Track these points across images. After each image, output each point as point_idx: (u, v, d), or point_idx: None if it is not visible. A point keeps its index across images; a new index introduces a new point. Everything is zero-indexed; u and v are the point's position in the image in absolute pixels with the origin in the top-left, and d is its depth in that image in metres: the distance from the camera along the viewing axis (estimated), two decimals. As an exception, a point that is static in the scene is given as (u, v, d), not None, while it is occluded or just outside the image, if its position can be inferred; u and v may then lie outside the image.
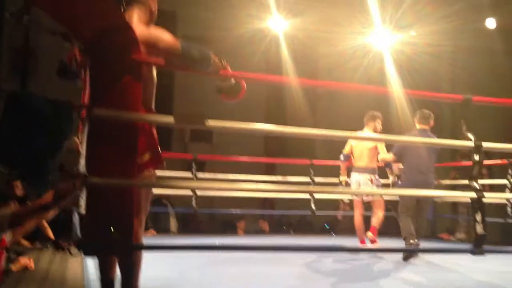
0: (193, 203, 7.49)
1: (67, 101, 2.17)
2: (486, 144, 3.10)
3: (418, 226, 5.57)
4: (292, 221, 10.42)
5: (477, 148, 3.05)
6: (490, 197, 3.16)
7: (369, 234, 6.09)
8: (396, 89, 7.75)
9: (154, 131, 2.62)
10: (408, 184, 5.63)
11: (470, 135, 3.11)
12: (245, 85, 2.80)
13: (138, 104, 2.39)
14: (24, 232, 2.72)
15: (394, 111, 7.89)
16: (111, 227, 2.22)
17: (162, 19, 9.14)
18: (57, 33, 2.23)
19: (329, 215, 9.37)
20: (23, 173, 1.92)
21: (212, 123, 2.43)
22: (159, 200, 8.45)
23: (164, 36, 2.57)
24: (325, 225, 10.13)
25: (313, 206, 7.94)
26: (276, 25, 9.21)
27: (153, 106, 2.65)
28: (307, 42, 9.51)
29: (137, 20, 2.60)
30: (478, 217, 2.88)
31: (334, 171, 7.25)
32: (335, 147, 6.91)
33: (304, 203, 8.09)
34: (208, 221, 9.94)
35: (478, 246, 2.91)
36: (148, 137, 2.53)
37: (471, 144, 3.10)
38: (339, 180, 6.66)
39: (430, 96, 3.63)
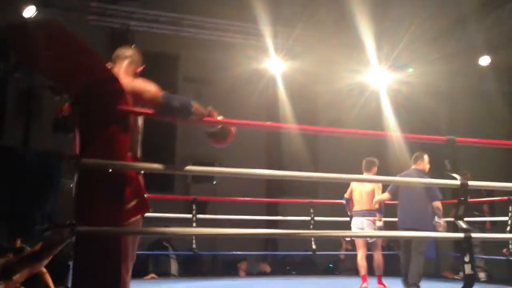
0: (193, 245, 7.47)
1: (57, 152, 2.25)
2: (472, 183, 3.14)
3: (412, 264, 5.54)
4: (296, 261, 10.34)
5: (463, 187, 3.08)
6: (478, 237, 3.17)
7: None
8: (393, 129, 7.88)
9: (141, 178, 2.69)
10: (401, 223, 5.72)
11: (455, 175, 3.15)
12: (233, 129, 2.88)
13: (125, 152, 2.47)
14: (17, 281, 2.75)
15: (391, 150, 7.95)
16: (98, 275, 2.25)
17: (166, 61, 9.41)
18: (47, 87, 2.32)
19: (333, 254, 9.31)
20: (10, 225, 1.98)
21: (209, 168, 2.49)
22: (159, 243, 8.44)
23: (148, 87, 2.69)
24: (330, 264, 10.05)
25: (313, 245, 7.92)
26: (274, 66, 9.37)
27: (139, 153, 2.73)
28: (304, 82, 9.67)
29: (123, 73, 2.74)
30: (466, 257, 2.89)
31: (336, 209, 7.32)
32: (337, 185, 6.97)
33: (308, 242, 8.08)
34: (211, 262, 9.88)
35: (468, 286, 2.91)
36: (135, 184, 2.60)
37: (457, 183, 3.13)
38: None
39: (416, 138, 3.69)
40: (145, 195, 2.67)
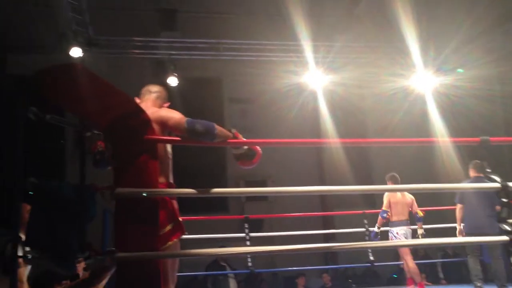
0: (249, 263, 7.53)
1: (91, 184, 2.39)
2: (513, 184, 3.04)
3: (494, 269, 5.61)
4: (358, 273, 10.17)
5: (504, 189, 3.00)
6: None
7: None
8: (440, 135, 7.70)
9: (175, 203, 2.79)
10: (468, 228, 5.75)
11: (495, 177, 3.07)
12: (259, 150, 2.93)
13: (155, 179, 2.58)
14: None
15: (438, 157, 7.79)
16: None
17: (209, 85, 9.62)
18: (77, 126, 2.48)
19: (394, 264, 9.10)
20: (51, 256, 2.12)
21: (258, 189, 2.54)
22: (216, 263, 8.56)
23: (172, 114, 2.82)
24: (394, 275, 9.82)
25: (371, 257, 7.79)
26: (316, 80, 9.38)
27: (171, 178, 2.84)
28: (348, 93, 9.62)
29: (150, 105, 2.91)
30: (512, 259, 2.80)
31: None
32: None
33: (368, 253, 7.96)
34: (271, 279, 9.90)
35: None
36: (169, 209, 2.70)
37: (497, 185, 3.05)
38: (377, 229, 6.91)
39: (448, 140, 3.61)
40: (180, 219, 2.77)
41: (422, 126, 9.42)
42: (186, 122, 2.70)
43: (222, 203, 10.85)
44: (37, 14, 8.23)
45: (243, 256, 7.89)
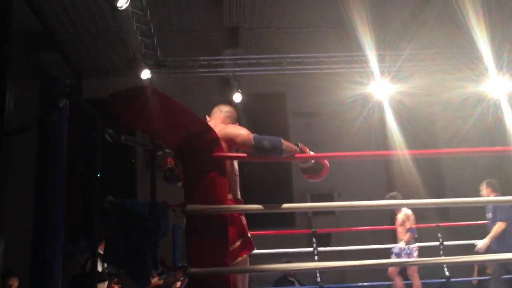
0: (318, 279, 7.45)
1: (163, 202, 2.47)
2: None
3: None
4: (434, 288, 9.79)
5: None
6: None
7: None
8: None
9: (243, 218, 2.83)
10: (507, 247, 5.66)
11: None
12: (327, 163, 2.93)
13: (224, 195, 2.63)
14: None
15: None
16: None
17: (274, 99, 9.69)
18: (149, 146, 2.58)
19: (468, 280, 8.71)
20: (128, 272, 2.20)
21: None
22: (285, 278, 8.52)
23: (239, 131, 2.88)
24: (469, 291, 9.37)
25: (446, 272, 7.49)
26: (382, 90, 9.22)
27: (239, 194, 2.88)
28: (417, 102, 9.39)
29: (219, 122, 3.03)
30: None
31: (468, 232, 7.18)
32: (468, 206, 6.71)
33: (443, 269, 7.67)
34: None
35: None
36: (238, 225, 2.75)
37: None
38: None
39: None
40: (249, 235, 2.80)
41: (496, 133, 9.02)
42: (253, 138, 2.74)
43: (288, 217, 10.83)
44: (109, 39, 8.65)
45: (311, 271, 7.83)
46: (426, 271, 8.77)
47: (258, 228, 8.65)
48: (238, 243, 2.72)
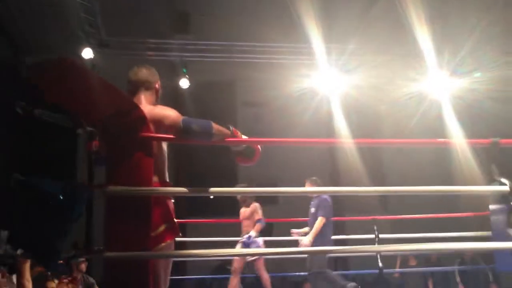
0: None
1: (79, 182, 2.35)
2: (522, 187, 2.92)
3: None
4: (368, 280, 10.01)
5: (512, 193, 2.89)
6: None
7: None
8: (457, 137, 7.53)
9: (170, 203, 2.73)
10: None
11: (504, 180, 2.96)
12: (259, 148, 2.88)
13: (149, 178, 2.52)
14: None
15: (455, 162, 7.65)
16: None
17: (223, 88, 9.58)
18: (68, 123, 2.44)
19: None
20: (34, 255, 2.07)
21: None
22: (222, 267, 8.49)
23: (168, 113, 2.76)
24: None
25: (380, 263, 7.63)
26: (329, 83, 9.29)
27: (167, 178, 2.78)
28: (361, 96, 9.51)
29: (144, 102, 2.83)
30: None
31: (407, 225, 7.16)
32: (406, 198, 6.82)
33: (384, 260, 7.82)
34: (280, 284, 9.80)
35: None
36: (163, 209, 2.65)
37: (506, 188, 2.94)
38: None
39: (458, 143, 3.50)
40: (175, 220, 2.71)
41: (438, 130, 9.26)
42: (182, 121, 2.65)
43: (232, 206, 10.81)
44: (50, 15, 8.27)
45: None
46: (362, 261, 8.99)
47: (201, 216, 8.58)
48: (162, 227, 2.61)
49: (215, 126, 2.66)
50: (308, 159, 10.14)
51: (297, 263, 8.81)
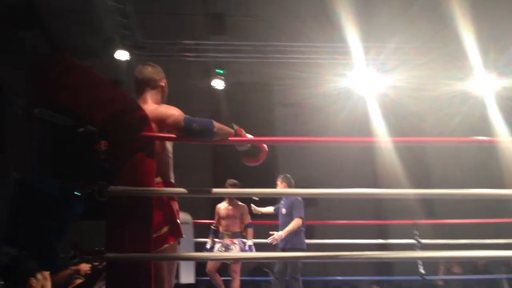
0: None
1: (79, 183, 2.31)
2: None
3: None
4: (415, 287, 9.68)
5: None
6: None
7: None
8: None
9: (174, 204, 2.67)
10: None
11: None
12: (265, 147, 2.79)
13: (151, 178, 2.47)
14: None
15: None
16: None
17: (261, 90, 9.53)
18: (69, 122, 2.42)
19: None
20: (30, 254, 2.06)
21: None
22: (259, 268, 8.42)
23: (171, 112, 2.70)
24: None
25: (421, 270, 7.33)
26: (367, 82, 9.07)
27: (171, 178, 2.72)
28: (401, 95, 9.23)
29: (150, 101, 2.82)
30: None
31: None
32: (456, 202, 6.59)
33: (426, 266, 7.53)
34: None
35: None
36: (166, 210, 2.59)
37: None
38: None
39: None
40: (178, 221, 2.65)
41: (482, 132, 8.88)
42: (183, 120, 2.58)
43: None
44: (85, 18, 8.45)
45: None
46: (409, 267, 8.72)
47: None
48: (165, 229, 2.56)
49: (217, 125, 2.59)
50: (349, 160, 9.96)
51: (338, 266, 8.67)
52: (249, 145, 2.78)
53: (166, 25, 8.92)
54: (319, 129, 9.44)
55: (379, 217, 10.16)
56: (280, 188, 5.92)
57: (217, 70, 9.08)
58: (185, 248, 6.07)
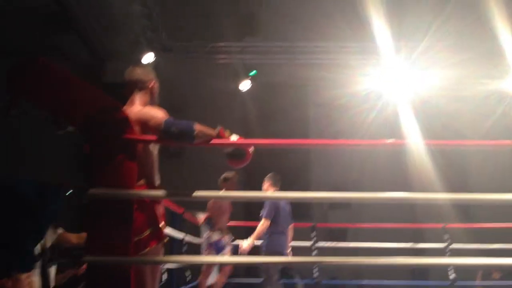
0: (315, 273, 7.21)
1: (58, 184, 2.34)
2: None
3: None
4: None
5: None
6: None
7: None
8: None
9: (158, 207, 2.66)
10: None
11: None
12: (250, 149, 2.74)
13: (131, 181, 2.47)
14: None
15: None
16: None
17: (295, 91, 9.46)
18: (50, 121, 2.45)
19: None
20: (4, 254, 2.10)
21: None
22: (284, 271, 8.31)
23: (154, 114, 2.68)
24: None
25: (452, 275, 7.08)
26: (394, 81, 8.85)
27: (156, 181, 2.71)
28: (434, 94, 8.95)
29: (137, 102, 2.81)
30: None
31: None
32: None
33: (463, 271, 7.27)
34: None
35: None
36: (149, 214, 2.58)
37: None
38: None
39: None
40: (161, 224, 2.64)
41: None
42: (163, 123, 2.56)
43: (304, 210, 10.67)
44: (113, 23, 8.62)
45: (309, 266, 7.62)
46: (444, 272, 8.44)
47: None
48: (147, 232, 2.55)
49: (198, 127, 2.55)
50: (380, 163, 9.75)
51: (373, 270, 8.50)
52: (232, 147, 2.73)
53: (195, 27, 8.97)
54: (348, 130, 9.30)
55: (414, 220, 9.91)
56: (265, 187, 5.69)
57: (250, 73, 9.07)
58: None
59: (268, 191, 5.55)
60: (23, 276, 2.55)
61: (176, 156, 9.64)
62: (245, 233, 7.79)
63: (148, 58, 7.78)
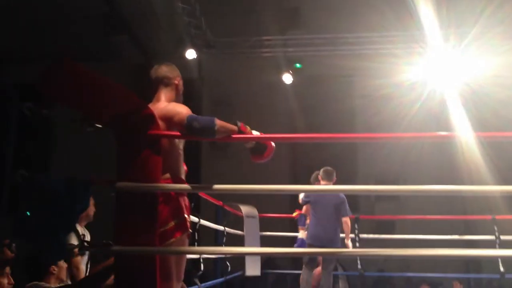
0: (359, 265, 7.18)
1: (85, 179, 2.48)
2: None
3: None
4: (506, 286, 9.09)
5: None
6: None
7: None
8: None
9: (183, 199, 2.78)
10: None
11: None
12: (271, 143, 2.80)
13: (157, 175, 2.59)
14: None
15: None
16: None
17: (339, 82, 9.44)
18: (77, 120, 2.60)
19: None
20: (38, 247, 2.26)
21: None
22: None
23: (178, 109, 2.79)
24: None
25: (501, 267, 6.86)
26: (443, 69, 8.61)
27: (182, 174, 2.82)
28: (480, 86, 8.64)
29: (163, 99, 2.94)
30: None
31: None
32: None
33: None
34: (403, 283, 9.43)
35: None
36: (173, 206, 2.70)
37: None
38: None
39: None
40: (186, 216, 2.75)
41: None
42: (186, 118, 2.67)
43: (351, 202, 10.60)
44: (157, 20, 8.84)
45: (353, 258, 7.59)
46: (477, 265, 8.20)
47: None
48: (172, 223, 2.68)
49: (219, 123, 2.63)
50: (428, 155, 9.55)
51: (422, 263, 8.40)
52: (254, 142, 2.79)
53: (237, 22, 9.07)
54: (391, 121, 9.16)
55: (464, 212, 9.67)
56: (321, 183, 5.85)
57: (296, 65, 9.10)
58: (252, 242, 6.28)
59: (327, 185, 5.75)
60: (60, 263, 2.76)
61: (221, 149, 9.83)
62: (290, 225, 7.90)
63: (191, 54, 7.94)
